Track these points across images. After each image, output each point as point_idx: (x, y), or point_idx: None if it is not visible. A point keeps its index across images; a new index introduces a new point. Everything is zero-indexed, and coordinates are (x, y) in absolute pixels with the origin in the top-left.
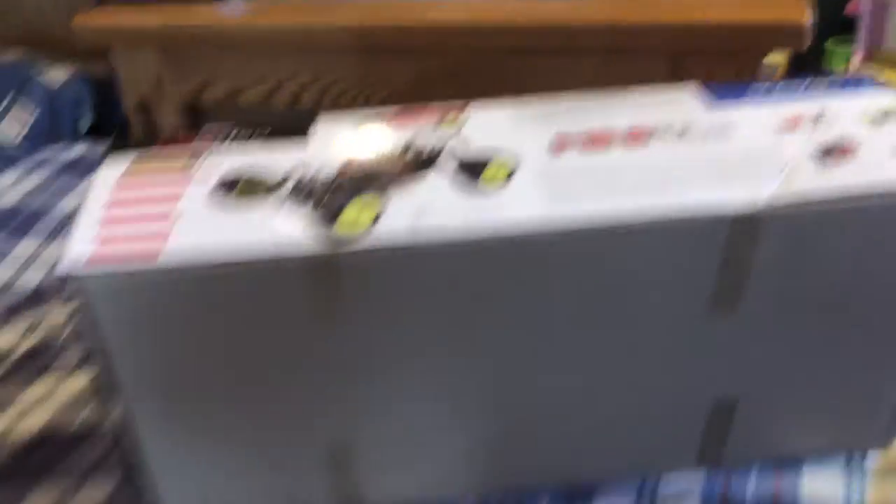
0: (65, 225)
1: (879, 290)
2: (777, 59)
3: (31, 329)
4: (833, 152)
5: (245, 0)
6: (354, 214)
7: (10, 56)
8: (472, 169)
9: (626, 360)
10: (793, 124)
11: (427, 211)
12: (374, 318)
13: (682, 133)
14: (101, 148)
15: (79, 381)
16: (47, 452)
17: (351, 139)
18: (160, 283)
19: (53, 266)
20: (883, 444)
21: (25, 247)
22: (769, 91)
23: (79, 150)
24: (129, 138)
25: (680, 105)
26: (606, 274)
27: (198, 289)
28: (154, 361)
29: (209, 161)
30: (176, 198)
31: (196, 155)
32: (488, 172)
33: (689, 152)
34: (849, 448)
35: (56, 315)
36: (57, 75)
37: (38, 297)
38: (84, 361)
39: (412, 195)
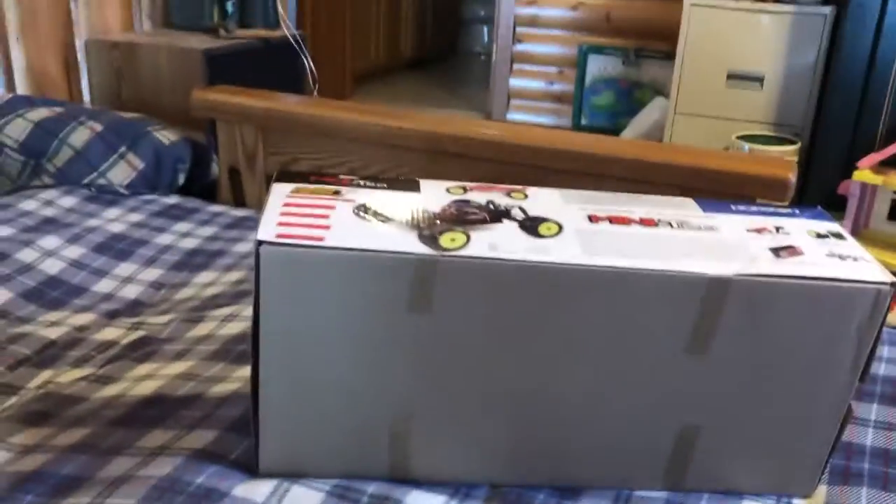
0: (159, 255)
1: (808, 357)
2: None
3: (133, 327)
4: (785, 251)
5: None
6: (450, 238)
7: (130, 115)
8: (533, 223)
9: (616, 382)
10: (760, 230)
11: (500, 244)
12: (454, 315)
13: (681, 225)
14: (191, 201)
15: (180, 366)
16: (159, 408)
17: (447, 195)
18: (321, 258)
19: (149, 285)
20: (806, 492)
21: (125, 268)
22: (748, 208)
23: (173, 199)
24: (216, 199)
25: (681, 209)
26: (615, 309)
27: (344, 268)
28: (295, 321)
29: (350, 192)
30: (331, 208)
31: (341, 186)
32: (543, 227)
33: (684, 236)
34: (780, 492)
35: (156, 319)
36: (167, 135)
37: (136, 306)
38: (182, 354)
39: (490, 234)
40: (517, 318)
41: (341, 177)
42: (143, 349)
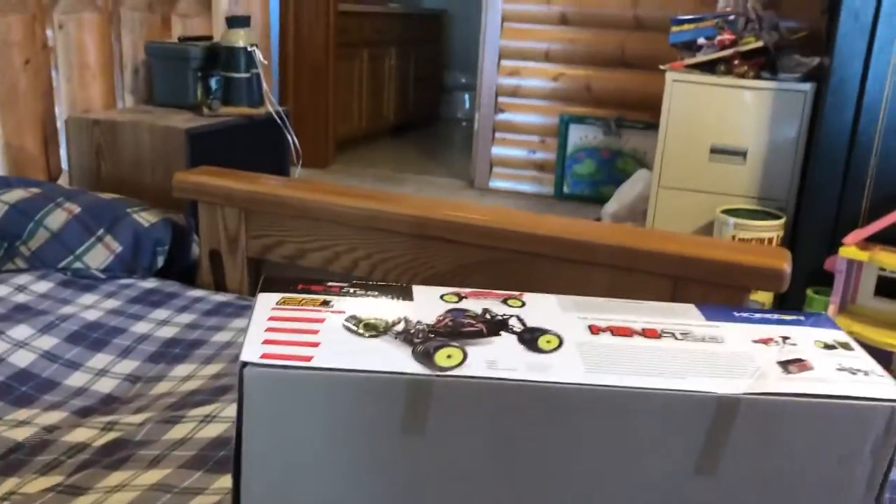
0: (136, 345)
1: (821, 477)
2: (764, 298)
3: (106, 428)
4: (793, 364)
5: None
6: (446, 355)
7: (109, 196)
8: (532, 335)
9: (624, 502)
10: (766, 341)
11: (499, 361)
12: (451, 436)
13: (684, 335)
14: (170, 284)
15: (155, 475)
16: None
17: (441, 303)
18: (309, 380)
19: (125, 378)
20: None
21: (100, 359)
22: (752, 315)
23: (151, 283)
24: (196, 281)
25: (683, 317)
26: (620, 431)
27: (334, 389)
28: (281, 444)
29: (339, 301)
30: (320, 322)
31: (330, 296)
32: (543, 340)
33: (688, 349)
34: None
35: (130, 418)
36: (147, 217)
37: (110, 402)
38: (157, 461)
39: (488, 349)
40: (517, 440)
41: (330, 284)
42: (116, 454)
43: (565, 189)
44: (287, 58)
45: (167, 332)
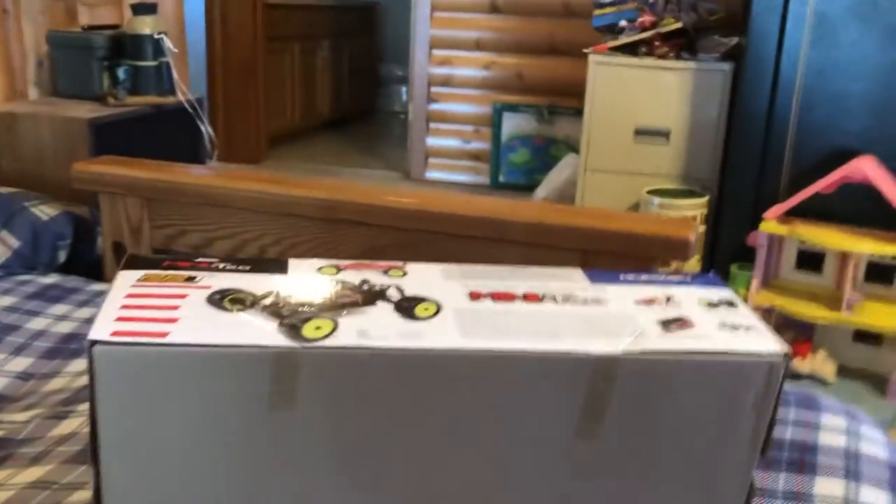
0: (30, 342)
1: (705, 434)
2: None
3: None
4: (675, 323)
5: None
6: (315, 326)
7: (5, 190)
8: (409, 304)
9: (505, 474)
10: (649, 301)
11: (371, 330)
12: (322, 411)
13: (566, 299)
14: (72, 279)
15: (35, 472)
16: None
17: (316, 276)
18: (164, 357)
19: (16, 376)
20: None
21: None
22: (638, 277)
23: (51, 279)
24: (101, 275)
25: (567, 281)
26: (498, 395)
27: (193, 366)
28: (140, 429)
29: (207, 277)
30: (181, 297)
31: (197, 272)
32: (420, 308)
33: (568, 311)
34: None
35: (16, 416)
36: (46, 210)
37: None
38: (39, 458)
39: (361, 318)
40: (392, 411)
41: (199, 260)
42: None
43: (501, 178)
44: (215, 52)
45: (65, 328)
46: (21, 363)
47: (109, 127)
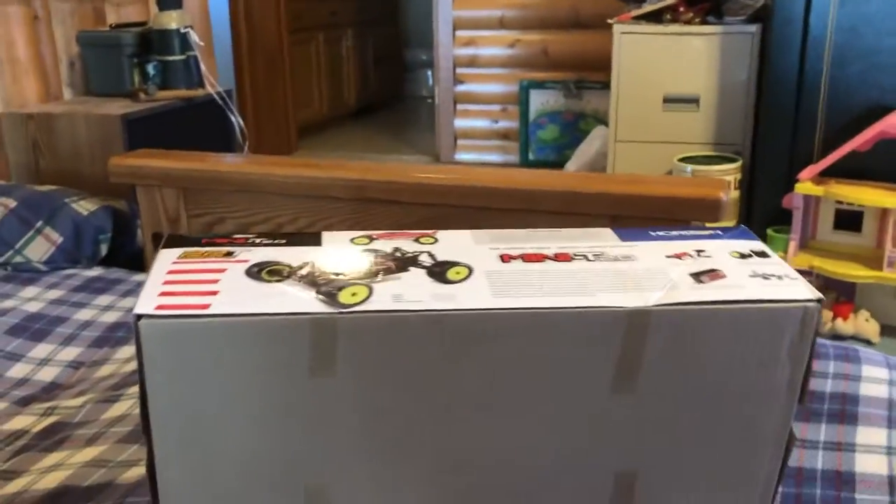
0: (79, 332)
1: (741, 384)
2: None
3: (45, 413)
4: (706, 275)
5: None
6: (350, 293)
7: (46, 188)
8: (441, 268)
9: (542, 431)
10: (680, 255)
11: (405, 294)
12: (361, 375)
13: (597, 257)
14: (114, 271)
15: (91, 452)
16: (65, 502)
17: (350, 246)
18: (207, 328)
19: (67, 365)
20: None
21: (42, 349)
22: (669, 233)
23: (95, 272)
24: (142, 266)
25: (597, 240)
26: (532, 354)
27: (234, 336)
28: (187, 397)
29: (244, 252)
30: (221, 272)
31: (235, 247)
32: (452, 272)
33: (600, 268)
34: None
35: (70, 402)
36: (86, 206)
37: (52, 389)
38: (94, 439)
39: (395, 284)
40: (429, 373)
41: (236, 236)
42: (53, 437)
43: (531, 156)
44: (241, 45)
45: (111, 318)
46: (71, 353)
47: (142, 122)
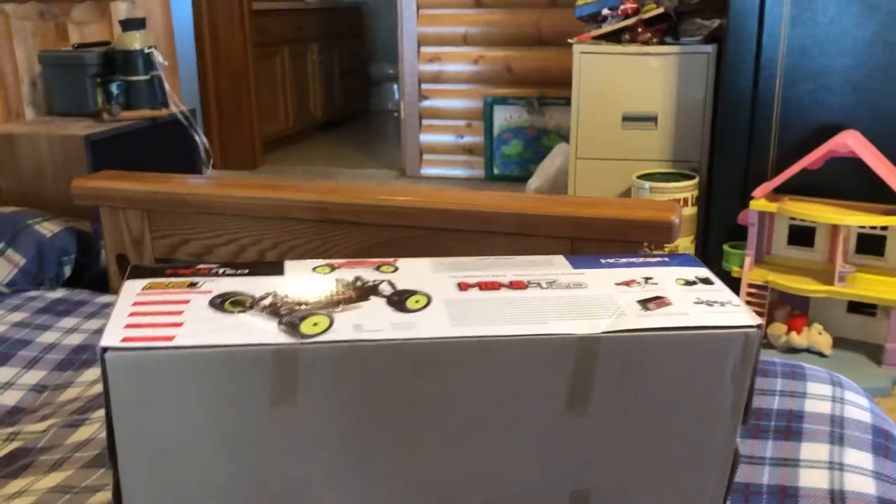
0: (42, 355)
1: (687, 407)
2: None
3: (8, 439)
4: (653, 302)
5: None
6: (312, 323)
7: (8, 210)
8: (401, 297)
9: (500, 455)
10: (629, 283)
11: (365, 323)
12: (322, 404)
13: (550, 284)
14: (78, 293)
15: (56, 478)
16: None
17: (311, 276)
18: (172, 359)
19: (30, 388)
20: None
21: (4, 373)
22: (618, 261)
23: (59, 293)
24: (107, 288)
25: (550, 268)
26: (489, 379)
27: (198, 366)
28: (153, 427)
29: (207, 283)
30: (185, 303)
31: (198, 278)
32: (411, 300)
33: (552, 296)
34: None
35: (34, 427)
36: (49, 227)
37: (14, 414)
38: (59, 464)
39: (356, 313)
40: (389, 401)
41: (199, 267)
42: (16, 463)
43: (495, 171)
44: (205, 61)
45: (75, 340)
46: (35, 376)
47: (106, 142)
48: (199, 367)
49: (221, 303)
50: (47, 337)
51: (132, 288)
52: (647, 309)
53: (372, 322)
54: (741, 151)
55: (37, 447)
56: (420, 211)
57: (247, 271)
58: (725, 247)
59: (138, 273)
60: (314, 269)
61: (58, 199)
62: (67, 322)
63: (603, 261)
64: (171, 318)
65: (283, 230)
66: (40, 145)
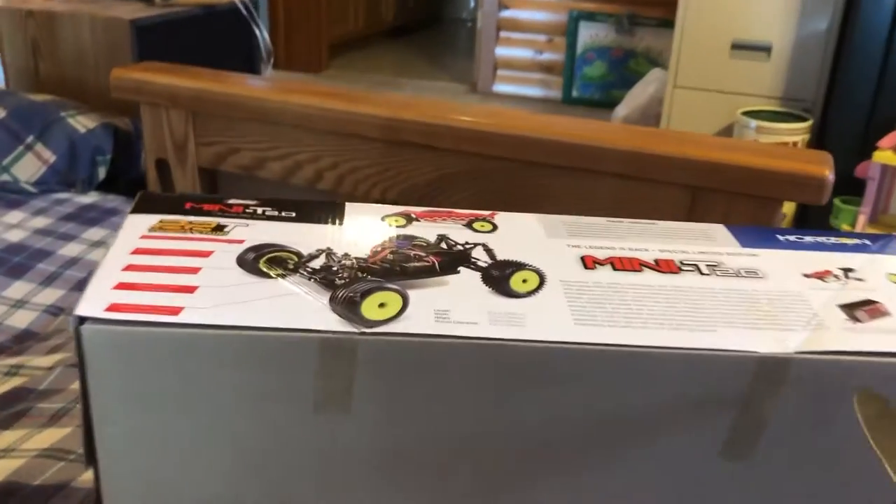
0: (62, 271)
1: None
2: (785, 208)
3: (10, 373)
4: (862, 309)
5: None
6: (377, 303)
7: (41, 98)
8: (502, 273)
9: (628, 492)
10: (822, 275)
11: (453, 310)
12: (385, 416)
13: (713, 268)
14: (112, 199)
15: (51, 436)
16: None
17: (382, 227)
18: (175, 343)
19: (45, 310)
20: None
21: (18, 288)
22: (800, 239)
23: (90, 198)
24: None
25: (711, 242)
26: (622, 405)
27: (212, 354)
28: (145, 423)
29: (239, 227)
30: (204, 255)
31: (228, 219)
32: (517, 279)
33: (718, 288)
34: None
35: (40, 361)
36: (84, 122)
37: (24, 339)
38: (58, 417)
39: (441, 291)
40: (478, 421)
41: (231, 202)
42: (12, 407)
43: (574, 93)
44: None
45: (101, 256)
46: (51, 295)
47: (155, 29)
48: (213, 356)
49: (255, 259)
50: (70, 249)
51: (136, 226)
52: (856, 320)
53: (462, 308)
54: (867, 94)
55: (38, 389)
56: (508, 139)
57: (294, 214)
58: (836, 201)
59: (149, 205)
60: (385, 217)
61: (99, 91)
62: (94, 233)
63: (781, 238)
64: (183, 277)
65: (346, 148)
66: (82, 27)
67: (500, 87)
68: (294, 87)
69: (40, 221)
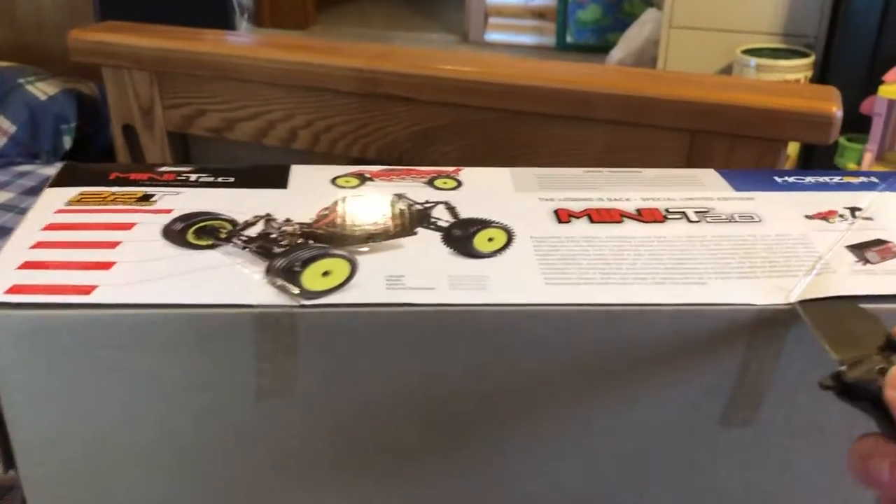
0: None
1: None
2: (788, 149)
3: None
4: (873, 249)
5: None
6: (321, 271)
7: (1, 64)
8: (465, 232)
9: (614, 477)
10: (827, 215)
11: (409, 275)
12: (332, 396)
13: (702, 214)
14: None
15: None
16: None
17: (331, 190)
18: (87, 325)
19: None
20: None
21: None
22: (800, 180)
23: (54, 169)
24: (114, 162)
25: (700, 186)
26: (602, 372)
27: (129, 337)
28: (61, 418)
29: (168, 197)
30: (126, 228)
31: (156, 187)
32: (481, 237)
33: (709, 235)
34: None
35: None
36: (44, 88)
37: None
38: None
39: (395, 255)
40: (440, 398)
41: (163, 170)
42: None
43: (568, 38)
44: None
45: None
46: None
47: None
48: (132, 340)
49: (183, 230)
50: None
51: (52, 200)
52: (866, 261)
53: (419, 273)
54: (871, 26)
55: None
56: (493, 87)
57: (232, 180)
58: (841, 139)
59: (70, 176)
60: (334, 179)
61: (62, 55)
62: None
63: (779, 179)
64: (99, 253)
65: (320, 104)
66: None
67: (492, 36)
68: (263, 41)
69: (1, 196)
